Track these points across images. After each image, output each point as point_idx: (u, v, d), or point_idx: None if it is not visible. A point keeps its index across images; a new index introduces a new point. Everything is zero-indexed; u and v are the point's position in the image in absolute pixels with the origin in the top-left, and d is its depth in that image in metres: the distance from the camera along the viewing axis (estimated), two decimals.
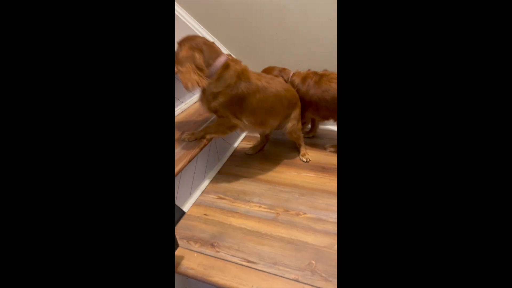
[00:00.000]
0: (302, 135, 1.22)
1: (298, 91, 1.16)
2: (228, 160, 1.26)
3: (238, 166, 1.21)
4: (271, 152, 1.30)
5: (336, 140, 1.30)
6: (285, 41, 1.35)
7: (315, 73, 1.17)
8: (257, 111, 1.00)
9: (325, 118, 1.22)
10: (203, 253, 0.82)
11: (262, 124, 1.06)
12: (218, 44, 1.43)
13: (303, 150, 1.23)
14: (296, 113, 1.14)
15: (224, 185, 1.10)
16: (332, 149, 1.26)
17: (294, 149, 1.29)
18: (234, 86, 0.94)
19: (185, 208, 0.99)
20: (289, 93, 1.09)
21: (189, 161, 0.96)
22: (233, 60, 0.98)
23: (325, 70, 1.19)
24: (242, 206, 0.99)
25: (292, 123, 1.14)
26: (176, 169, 0.90)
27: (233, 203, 1.00)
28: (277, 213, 0.94)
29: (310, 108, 1.19)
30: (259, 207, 0.98)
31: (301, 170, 1.15)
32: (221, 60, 0.93)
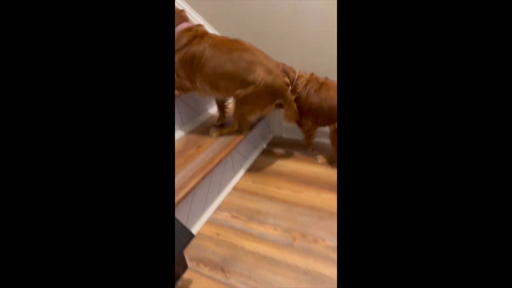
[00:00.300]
0: (244, 126, 1.14)
1: (299, 97, 1.15)
2: (244, 175, 1.21)
3: (254, 183, 1.16)
4: (289, 168, 1.24)
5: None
6: (299, 46, 1.30)
7: (317, 80, 1.15)
8: (212, 59, 0.99)
9: (323, 124, 1.21)
10: (212, 278, 0.77)
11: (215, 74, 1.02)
12: None
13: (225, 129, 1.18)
14: (246, 90, 1.01)
15: (238, 203, 1.05)
16: (322, 160, 1.26)
17: (314, 166, 1.22)
18: (191, 44, 0.98)
19: (197, 226, 0.96)
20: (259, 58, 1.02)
21: (203, 178, 0.93)
22: (199, 25, 1.03)
23: (326, 78, 1.16)
24: (256, 228, 0.93)
25: (239, 97, 1.03)
26: (190, 185, 0.87)
27: (247, 224, 0.95)
28: (293, 238, 0.88)
29: (310, 114, 1.18)
30: (274, 229, 0.92)
31: (321, 191, 1.08)
32: (184, 25, 0.99)
